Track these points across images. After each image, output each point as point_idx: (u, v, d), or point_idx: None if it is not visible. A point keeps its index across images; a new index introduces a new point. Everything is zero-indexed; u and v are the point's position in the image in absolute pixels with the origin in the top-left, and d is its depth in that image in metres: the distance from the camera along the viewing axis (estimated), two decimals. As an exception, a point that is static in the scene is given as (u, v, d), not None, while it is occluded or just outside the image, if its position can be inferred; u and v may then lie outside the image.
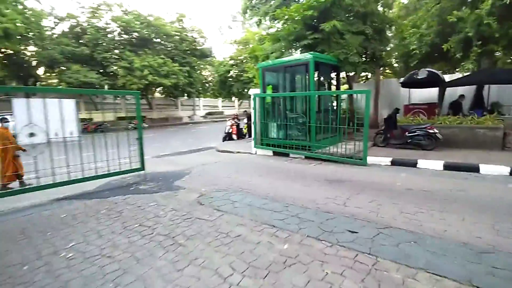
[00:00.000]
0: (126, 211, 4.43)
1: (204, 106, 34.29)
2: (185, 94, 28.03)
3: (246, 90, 34.80)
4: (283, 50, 10.88)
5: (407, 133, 8.25)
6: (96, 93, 5.52)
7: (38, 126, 5.07)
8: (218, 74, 37.64)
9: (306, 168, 7.02)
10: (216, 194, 5.09)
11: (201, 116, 31.66)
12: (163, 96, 32.36)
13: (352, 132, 7.53)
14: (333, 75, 10.30)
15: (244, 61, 35.52)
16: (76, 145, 5.70)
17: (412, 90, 13.38)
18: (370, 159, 7.13)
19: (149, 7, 40.60)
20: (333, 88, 10.35)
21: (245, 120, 14.18)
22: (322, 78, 9.63)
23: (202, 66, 31.80)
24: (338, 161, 7.42)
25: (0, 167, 5.64)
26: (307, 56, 8.24)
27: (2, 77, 17.44)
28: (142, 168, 6.63)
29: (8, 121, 6.09)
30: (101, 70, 20.93)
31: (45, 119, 5.10)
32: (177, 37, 23.97)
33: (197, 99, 32.75)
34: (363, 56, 10.56)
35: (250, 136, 15.00)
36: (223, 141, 13.37)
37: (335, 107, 9.35)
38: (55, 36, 20.53)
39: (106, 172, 6.07)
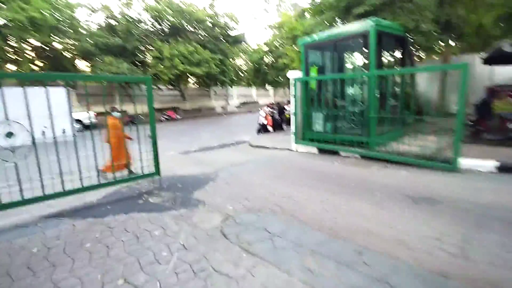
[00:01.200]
0: (118, 245, 3.09)
1: (237, 95, 33.02)
2: (218, 83, 26.93)
3: (281, 78, 32.80)
4: (330, 24, 8.87)
5: (510, 124, 5.96)
6: (102, 79, 4.81)
7: (18, 124, 3.93)
8: (252, 62, 36.02)
9: (368, 175, 5.20)
10: (246, 218, 3.57)
11: (235, 106, 30.49)
12: (197, 86, 31.70)
13: (415, 124, 5.54)
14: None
15: (279, 46, 33.41)
16: (76, 144, 4.54)
17: (495, 68, 10.51)
18: (463, 162, 5.08)
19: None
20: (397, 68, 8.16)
21: (276, 114, 12.33)
22: (384, 55, 7.48)
23: (235, 53, 30.40)
24: (412, 164, 5.46)
25: (113, 155, 5.59)
26: (367, 24, 6.23)
27: (40, 69, 17.82)
28: (157, 173, 5.34)
29: (119, 111, 6.29)
30: (132, 61, 20.49)
31: (28, 113, 3.94)
32: (209, 22, 22.71)
33: (230, 88, 31.58)
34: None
35: (288, 125, 13.35)
36: (257, 133, 11.84)
37: (397, 92, 7.27)
38: (89, 28, 20.39)
39: (111, 180, 4.87)
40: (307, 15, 11.59)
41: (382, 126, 6.41)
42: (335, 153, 7.00)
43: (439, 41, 8.33)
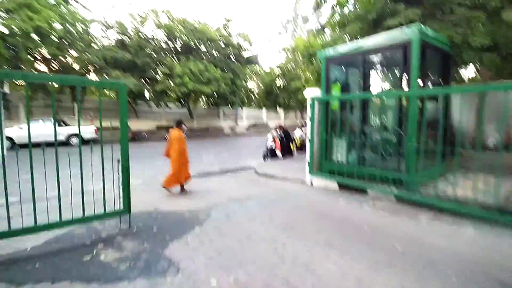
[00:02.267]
0: None
1: (247, 117, 32.15)
2: (228, 103, 26.09)
3: (292, 102, 31.89)
4: (354, 38, 7.71)
5: None
6: (70, 83, 3.95)
7: None
8: (264, 84, 35.47)
9: (419, 232, 3.67)
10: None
11: (244, 128, 29.51)
12: (206, 105, 31.06)
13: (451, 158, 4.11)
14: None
15: (292, 69, 32.84)
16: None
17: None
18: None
19: (197, 13, 40.32)
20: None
21: (275, 135, 10.77)
22: (426, 72, 6.11)
23: (246, 74, 29.89)
24: (474, 216, 3.92)
25: (174, 169, 5.70)
26: (410, 32, 4.96)
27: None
28: (126, 210, 3.95)
29: (184, 124, 6.22)
30: (142, 77, 19.92)
31: None
32: (222, 42, 22.28)
33: (240, 109, 30.77)
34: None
35: (300, 150, 11.92)
36: (264, 159, 10.46)
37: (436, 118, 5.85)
38: (102, 43, 20.14)
39: (63, 220, 3.50)
40: (326, 31, 10.54)
41: (423, 159, 4.95)
42: (360, 191, 5.52)
43: (490, 61, 6.88)
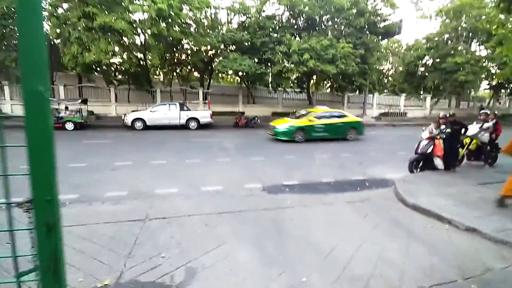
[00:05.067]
0: None
1: (378, 104, 26.36)
2: (355, 87, 21.65)
3: (446, 84, 23.68)
4: None
5: None
6: None
7: None
8: (404, 62, 28.16)
9: None
10: None
11: (373, 117, 24.23)
12: (328, 89, 27.48)
13: None
14: None
15: (452, 38, 24.26)
16: None
17: None
18: None
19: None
20: None
21: (435, 133, 6.35)
22: None
23: (383, 50, 24.13)
24: None
25: None
26: None
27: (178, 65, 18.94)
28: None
29: None
30: (259, 59, 18.58)
31: None
32: (354, 9, 18.02)
33: (369, 94, 25.48)
34: None
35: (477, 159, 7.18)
36: (411, 170, 6.49)
37: None
38: (229, 27, 19.99)
39: None
40: None
41: None
42: None
43: None
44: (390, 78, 35.68)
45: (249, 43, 18.18)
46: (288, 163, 7.67)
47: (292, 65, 16.78)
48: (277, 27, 19.33)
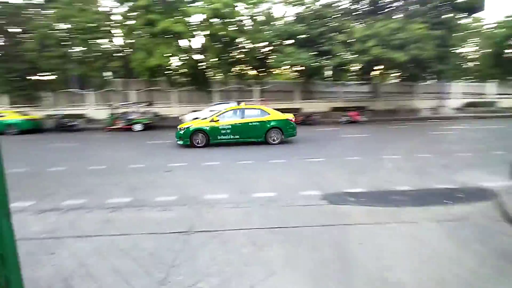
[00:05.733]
0: None
1: (458, 93, 22.42)
2: (431, 74, 18.76)
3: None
4: None
5: None
6: None
7: None
8: (492, 43, 23.50)
9: None
10: None
11: (454, 109, 20.71)
12: (396, 80, 24.64)
13: None
14: None
15: None
16: None
17: None
18: None
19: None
20: None
21: None
22: None
23: (464, 30, 20.45)
24: None
25: None
26: None
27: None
28: None
29: None
30: (316, 50, 17.43)
31: None
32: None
33: (448, 82, 21.84)
34: None
35: None
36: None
37: None
38: (284, 21, 19.35)
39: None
40: None
41: None
42: None
43: None
44: (473, 62, 30.36)
45: (305, 35, 17.20)
46: (350, 164, 6.71)
47: (354, 55, 15.26)
48: (335, 15, 17.87)
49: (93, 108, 19.00)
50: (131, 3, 15.60)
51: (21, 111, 16.42)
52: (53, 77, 19.98)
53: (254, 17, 17.98)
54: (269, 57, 20.28)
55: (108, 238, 3.22)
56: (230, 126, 9.69)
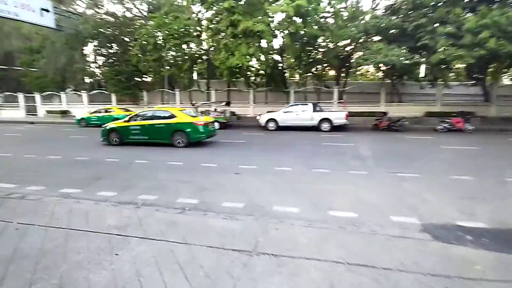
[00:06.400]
0: None
1: None
2: None
3: None
4: None
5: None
6: None
7: None
8: None
9: None
10: None
11: None
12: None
13: None
14: None
15: None
16: None
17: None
18: None
19: None
20: None
21: None
22: None
23: None
24: None
25: None
26: None
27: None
28: None
29: None
30: (412, 47, 15.04)
31: None
32: None
33: None
34: None
35: None
36: None
37: None
38: (375, 14, 17.55)
39: None
40: None
41: None
42: None
43: None
44: None
45: (398, 29, 15.07)
46: (459, 185, 5.25)
47: (461, 50, 12.52)
48: (439, 4, 15.11)
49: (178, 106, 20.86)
50: (216, 8, 16.38)
51: (124, 107, 19.13)
52: (150, 78, 22.81)
53: (339, 13, 16.73)
54: (351, 56, 18.68)
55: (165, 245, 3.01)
56: (139, 127, 9.93)
